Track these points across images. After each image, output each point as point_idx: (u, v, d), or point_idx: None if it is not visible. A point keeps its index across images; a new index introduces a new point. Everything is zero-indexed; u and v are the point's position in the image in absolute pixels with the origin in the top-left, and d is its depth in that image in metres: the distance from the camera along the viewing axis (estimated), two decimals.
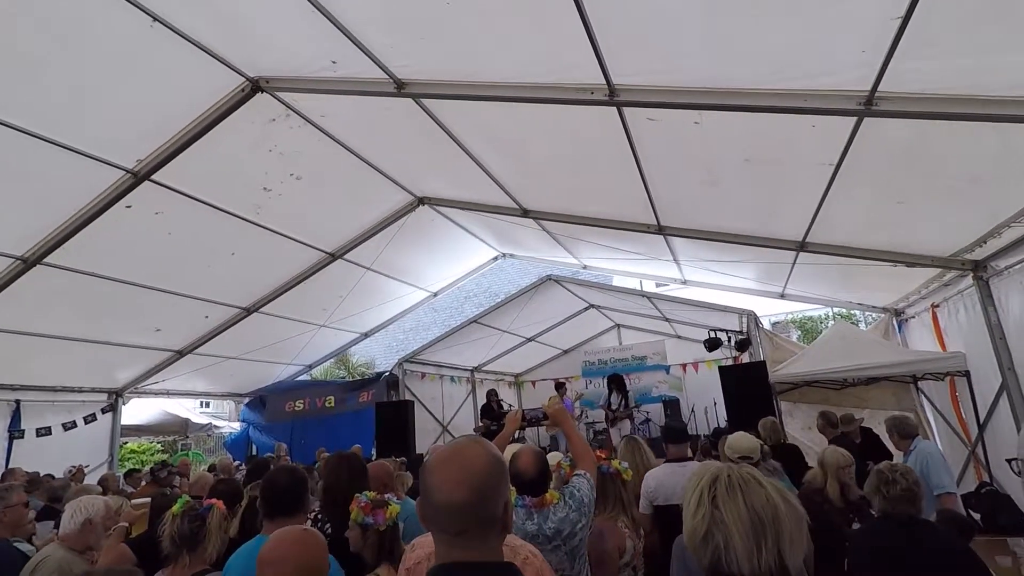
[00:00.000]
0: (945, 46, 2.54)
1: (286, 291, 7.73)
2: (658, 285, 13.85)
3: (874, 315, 8.55)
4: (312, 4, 3.25)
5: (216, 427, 11.89)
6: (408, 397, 10.03)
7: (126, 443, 14.06)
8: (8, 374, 6.98)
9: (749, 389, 6.99)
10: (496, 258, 9.79)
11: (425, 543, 1.94)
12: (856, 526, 3.28)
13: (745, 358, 8.55)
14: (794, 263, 6.18)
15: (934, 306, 6.16)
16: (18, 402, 7.24)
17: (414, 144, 5.35)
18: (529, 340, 12.09)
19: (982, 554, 2.41)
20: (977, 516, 4.53)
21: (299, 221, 6.48)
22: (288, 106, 4.64)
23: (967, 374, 5.61)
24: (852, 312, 15.48)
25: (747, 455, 3.38)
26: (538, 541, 2.21)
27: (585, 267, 9.68)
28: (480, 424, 10.49)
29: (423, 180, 6.59)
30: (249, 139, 4.85)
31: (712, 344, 9.11)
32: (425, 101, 4.40)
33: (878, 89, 2.84)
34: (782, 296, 8.31)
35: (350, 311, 8.95)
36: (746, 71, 3.10)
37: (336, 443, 8.56)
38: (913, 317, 7.06)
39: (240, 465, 8.73)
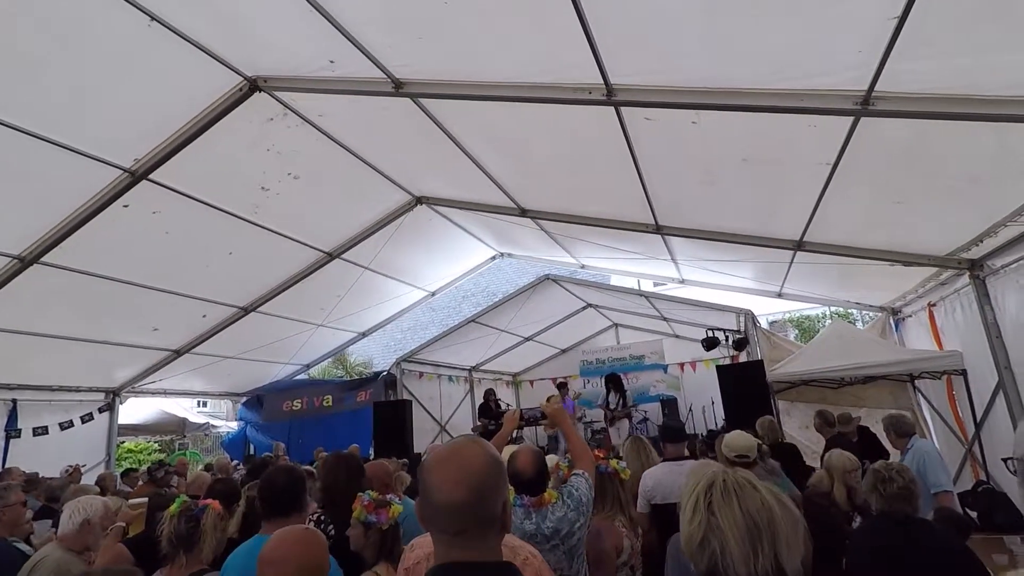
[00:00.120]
0: (942, 46, 2.55)
1: (284, 290, 7.71)
2: (656, 284, 13.89)
3: (871, 314, 8.57)
4: (310, 4, 3.24)
5: (213, 426, 11.89)
6: (406, 396, 10.00)
7: (123, 442, 14.02)
8: (5, 373, 6.96)
9: (747, 388, 7.02)
10: (494, 257, 9.78)
11: (424, 543, 1.94)
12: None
13: (743, 357, 8.57)
14: (791, 262, 6.19)
15: (931, 305, 6.18)
16: (15, 401, 7.21)
17: (412, 144, 5.35)
18: (527, 339, 12.07)
19: (979, 552, 2.42)
20: (974, 514, 4.55)
21: (297, 220, 6.47)
22: (286, 105, 4.63)
23: (964, 373, 5.63)
24: (849, 311, 15.50)
25: (744, 453, 3.39)
26: (536, 541, 2.21)
27: (583, 267, 9.68)
28: (478, 423, 10.49)
29: (421, 179, 6.58)
30: (247, 138, 4.84)
31: (710, 343, 9.14)
32: (423, 101, 4.39)
33: (875, 89, 2.85)
34: (779, 295, 8.32)
35: (348, 310, 8.93)
36: (746, 71, 3.10)
37: (334, 442, 8.54)
38: (910, 316, 7.08)
39: (238, 464, 8.73)
